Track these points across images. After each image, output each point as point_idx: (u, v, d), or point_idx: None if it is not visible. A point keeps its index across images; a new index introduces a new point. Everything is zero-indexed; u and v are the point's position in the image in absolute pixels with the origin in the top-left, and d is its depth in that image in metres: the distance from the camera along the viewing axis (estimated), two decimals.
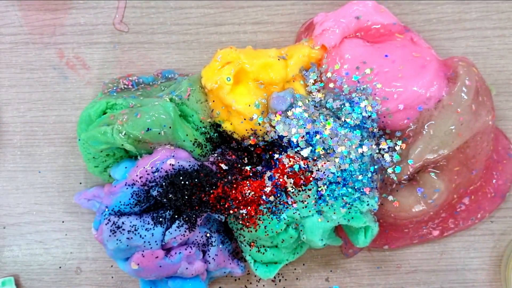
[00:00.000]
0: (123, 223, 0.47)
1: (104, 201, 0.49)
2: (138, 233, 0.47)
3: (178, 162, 0.49)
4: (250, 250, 0.52)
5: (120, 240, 0.47)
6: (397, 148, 0.50)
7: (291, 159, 0.49)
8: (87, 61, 0.58)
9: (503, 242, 0.57)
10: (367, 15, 0.54)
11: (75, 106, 0.58)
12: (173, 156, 0.49)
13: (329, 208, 0.49)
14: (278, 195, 0.49)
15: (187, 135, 0.50)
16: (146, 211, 0.50)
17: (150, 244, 0.48)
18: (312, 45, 0.53)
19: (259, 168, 0.51)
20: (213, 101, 0.51)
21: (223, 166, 0.50)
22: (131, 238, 0.47)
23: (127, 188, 0.49)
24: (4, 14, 0.57)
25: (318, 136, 0.49)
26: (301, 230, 0.50)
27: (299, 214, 0.49)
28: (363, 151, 0.49)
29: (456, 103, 0.49)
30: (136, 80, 0.56)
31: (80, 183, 0.57)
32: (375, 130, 0.51)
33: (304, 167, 0.49)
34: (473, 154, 0.51)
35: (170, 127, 0.48)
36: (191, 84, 0.52)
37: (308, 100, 0.51)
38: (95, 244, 0.56)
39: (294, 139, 0.49)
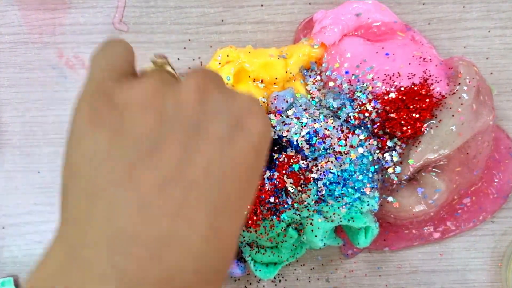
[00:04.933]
0: None
1: None
2: None
3: None
4: (250, 250, 0.51)
5: None
6: (397, 148, 0.50)
7: (291, 159, 0.49)
8: (86, 61, 0.57)
9: (504, 242, 0.56)
10: (368, 13, 0.53)
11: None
12: None
13: (329, 208, 0.49)
14: (278, 195, 0.49)
15: None
16: None
17: None
18: (312, 44, 0.53)
19: None
20: None
21: None
22: None
23: None
24: (3, 14, 0.57)
25: (318, 136, 0.49)
26: (301, 230, 0.50)
27: (299, 214, 0.49)
28: (363, 151, 0.49)
29: (456, 103, 0.49)
30: None
31: None
32: (375, 129, 0.50)
33: (304, 167, 0.49)
34: (474, 154, 0.51)
35: None
36: None
37: (308, 100, 0.51)
38: None
39: (294, 139, 0.49)
